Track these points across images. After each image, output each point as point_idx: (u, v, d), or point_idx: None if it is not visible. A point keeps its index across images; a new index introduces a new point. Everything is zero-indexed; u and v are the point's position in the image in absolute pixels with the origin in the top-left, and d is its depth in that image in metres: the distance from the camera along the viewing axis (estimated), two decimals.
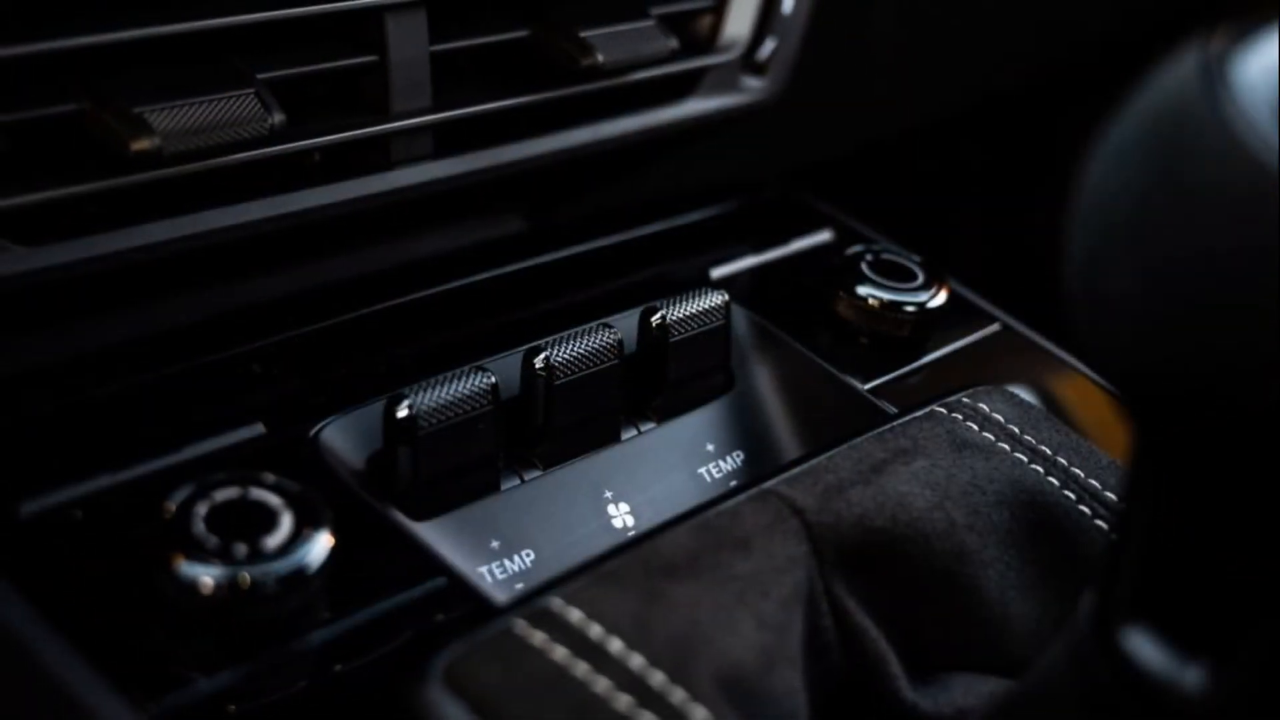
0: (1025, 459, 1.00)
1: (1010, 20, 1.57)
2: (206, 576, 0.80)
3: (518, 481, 1.02)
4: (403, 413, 0.94)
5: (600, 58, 1.08)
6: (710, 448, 1.11)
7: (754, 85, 1.26)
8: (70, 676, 0.78)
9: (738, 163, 1.37)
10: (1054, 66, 1.79)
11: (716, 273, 1.25)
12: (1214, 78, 0.59)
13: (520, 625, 0.81)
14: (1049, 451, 1.01)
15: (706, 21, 1.21)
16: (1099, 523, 0.97)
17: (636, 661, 0.80)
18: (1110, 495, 0.98)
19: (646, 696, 0.78)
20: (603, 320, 1.07)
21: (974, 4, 1.49)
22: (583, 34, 1.08)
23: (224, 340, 1.03)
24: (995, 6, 1.54)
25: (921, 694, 0.91)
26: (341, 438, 0.98)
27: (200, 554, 0.81)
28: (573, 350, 1.02)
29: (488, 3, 1.07)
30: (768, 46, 1.25)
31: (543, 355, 1.02)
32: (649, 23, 1.12)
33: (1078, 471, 1.00)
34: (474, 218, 1.19)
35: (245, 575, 0.80)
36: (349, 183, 1.02)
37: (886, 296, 1.19)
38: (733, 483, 1.10)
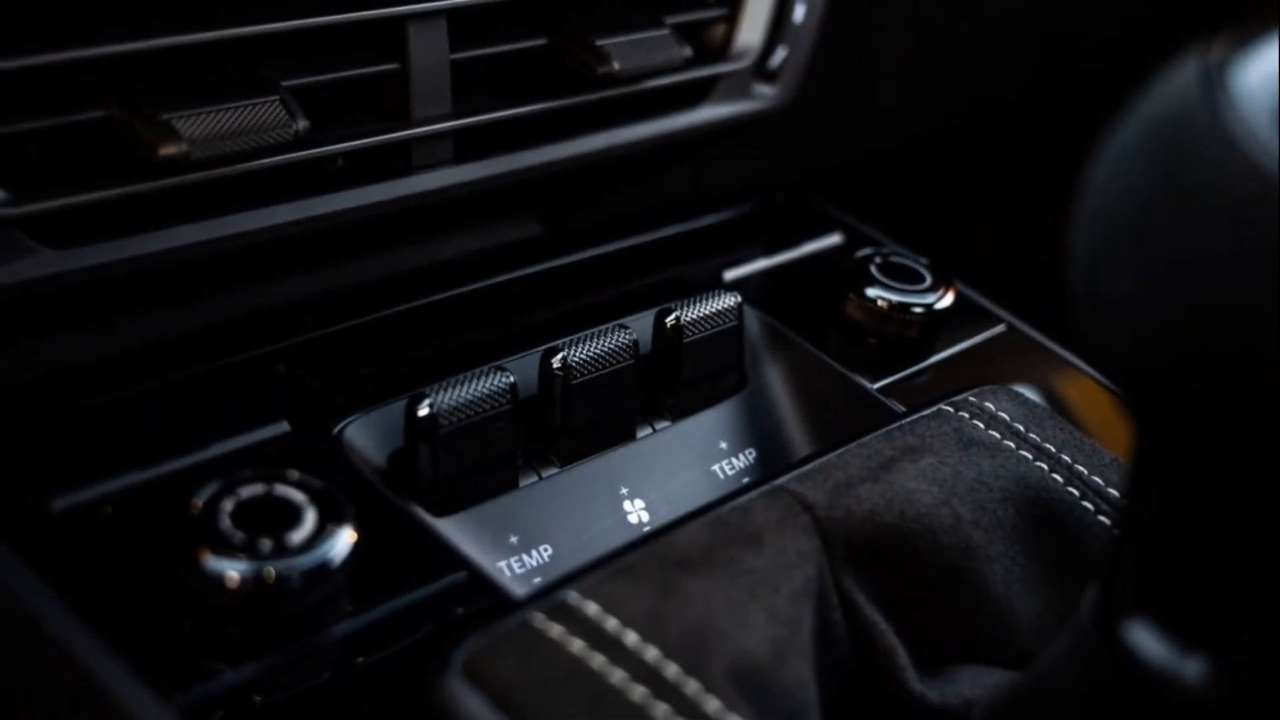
0: (1030, 456, 1.00)
1: (1016, 29, 1.57)
2: (232, 571, 0.80)
3: (536, 478, 1.02)
4: (423, 411, 0.94)
5: (616, 65, 1.08)
6: (723, 445, 1.11)
7: (765, 92, 1.26)
8: (100, 668, 0.78)
9: (749, 168, 1.37)
10: (1058, 74, 1.79)
11: (729, 275, 1.25)
12: (1214, 84, 0.59)
13: (538, 618, 0.81)
14: (1053, 449, 1.01)
15: (719, 30, 1.21)
16: (1102, 519, 0.97)
17: (651, 654, 0.80)
18: (1113, 492, 0.98)
19: (661, 688, 0.78)
20: (618, 321, 1.07)
21: (980, 13, 1.49)
22: (599, 42, 1.08)
23: (249, 341, 1.03)
24: (1001, 16, 1.54)
25: (929, 685, 0.91)
26: (364, 436, 0.98)
27: (226, 549, 0.81)
28: (589, 350, 1.02)
29: (506, 12, 1.07)
30: (779, 55, 1.25)
31: (560, 355, 1.01)
32: (663, 31, 1.12)
33: (1081, 469, 0.99)
34: (493, 221, 1.19)
35: (270, 570, 0.80)
36: (371, 187, 1.02)
37: (895, 298, 1.18)
38: (745, 479, 1.10)
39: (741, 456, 1.11)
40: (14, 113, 0.85)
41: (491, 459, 0.98)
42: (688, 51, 1.14)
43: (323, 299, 1.08)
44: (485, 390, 0.96)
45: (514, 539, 0.98)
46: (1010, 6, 1.54)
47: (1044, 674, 0.78)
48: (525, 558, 0.98)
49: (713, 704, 0.78)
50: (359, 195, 1.02)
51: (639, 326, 1.07)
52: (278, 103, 0.92)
